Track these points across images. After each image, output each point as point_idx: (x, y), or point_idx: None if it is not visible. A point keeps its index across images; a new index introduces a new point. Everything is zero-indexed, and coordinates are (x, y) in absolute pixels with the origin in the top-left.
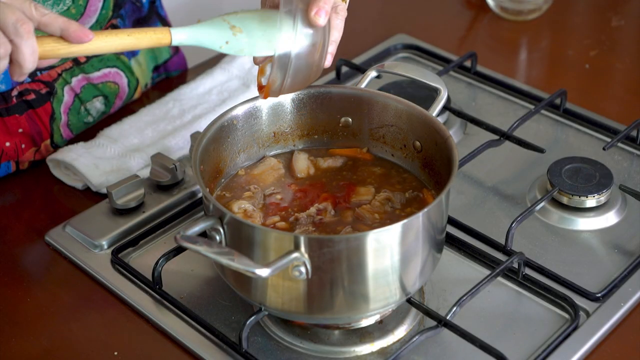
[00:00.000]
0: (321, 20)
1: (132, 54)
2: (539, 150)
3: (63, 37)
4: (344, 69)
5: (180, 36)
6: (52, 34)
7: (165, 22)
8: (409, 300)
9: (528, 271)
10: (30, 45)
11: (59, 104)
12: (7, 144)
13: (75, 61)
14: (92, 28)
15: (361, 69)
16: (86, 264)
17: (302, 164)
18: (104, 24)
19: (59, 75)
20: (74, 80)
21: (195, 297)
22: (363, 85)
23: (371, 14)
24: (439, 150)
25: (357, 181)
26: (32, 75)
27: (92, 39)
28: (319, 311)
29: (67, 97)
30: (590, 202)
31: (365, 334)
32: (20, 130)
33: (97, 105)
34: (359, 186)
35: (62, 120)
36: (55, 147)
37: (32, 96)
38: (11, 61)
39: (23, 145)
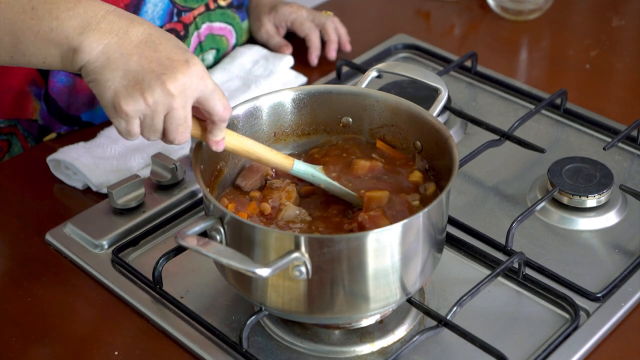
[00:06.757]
0: (220, 149)
1: (244, 15)
2: (540, 150)
3: (208, 130)
4: (345, 69)
5: (300, 167)
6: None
7: None
8: (409, 300)
9: (528, 271)
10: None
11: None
12: None
13: (207, 6)
14: None
15: (361, 69)
16: (86, 263)
17: None
18: None
19: (195, 18)
20: (203, 27)
21: (195, 297)
22: (363, 85)
23: (371, 14)
24: (439, 150)
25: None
26: (179, 14)
27: (220, 149)
28: (319, 311)
29: (193, 42)
30: (591, 202)
31: (365, 334)
32: None
33: (209, 57)
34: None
35: None
36: None
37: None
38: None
39: None
